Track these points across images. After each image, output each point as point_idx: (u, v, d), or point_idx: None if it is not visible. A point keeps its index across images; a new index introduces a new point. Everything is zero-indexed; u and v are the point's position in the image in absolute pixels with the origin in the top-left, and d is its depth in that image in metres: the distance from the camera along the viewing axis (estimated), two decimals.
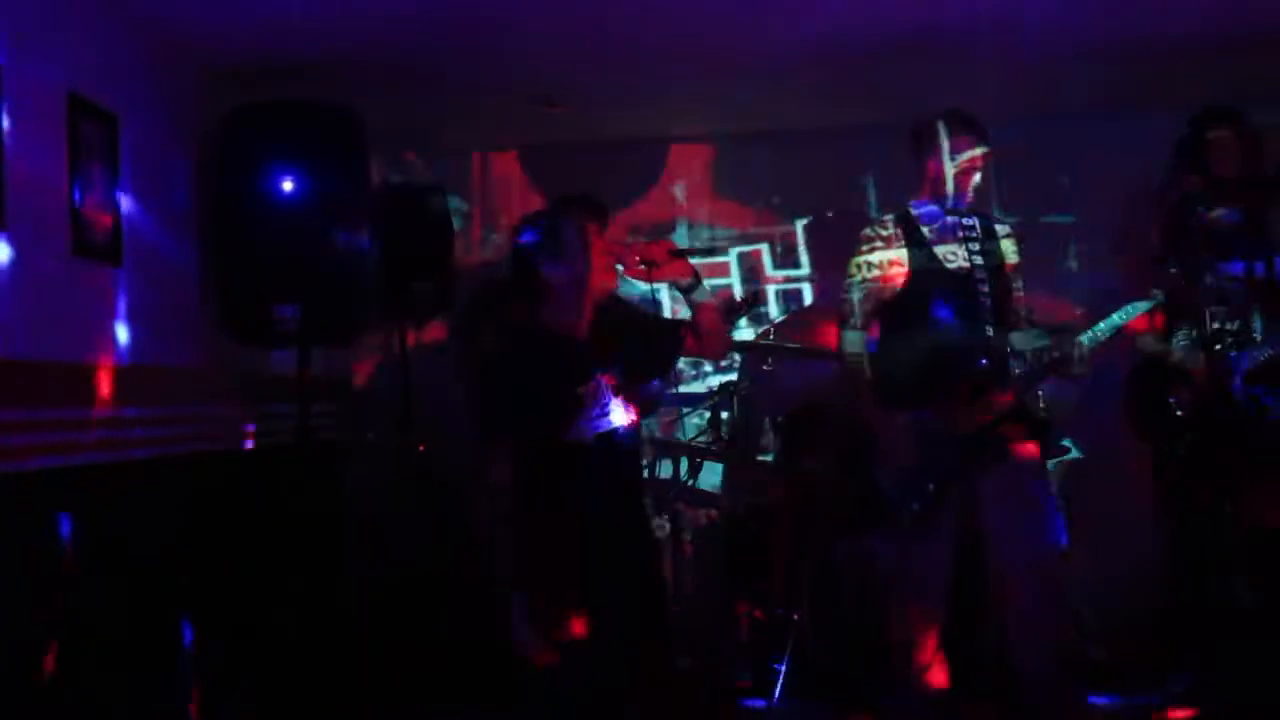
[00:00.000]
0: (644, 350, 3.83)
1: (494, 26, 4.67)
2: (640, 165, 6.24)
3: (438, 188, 5.55)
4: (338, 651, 4.41)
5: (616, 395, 3.68)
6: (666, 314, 5.55)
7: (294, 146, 4.56)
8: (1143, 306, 4.12)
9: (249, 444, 5.04)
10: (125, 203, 4.26)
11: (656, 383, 4.51)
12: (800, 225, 6.42)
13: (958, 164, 4.11)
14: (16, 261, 3.55)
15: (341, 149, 4.64)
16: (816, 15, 4.69)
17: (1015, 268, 4.24)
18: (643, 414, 3.89)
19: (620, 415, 3.68)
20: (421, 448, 5.29)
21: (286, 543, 4.45)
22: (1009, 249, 4.23)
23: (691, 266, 3.91)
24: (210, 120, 4.65)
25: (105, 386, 4.04)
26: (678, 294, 4.13)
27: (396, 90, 5.22)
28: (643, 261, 3.90)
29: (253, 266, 4.51)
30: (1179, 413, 4.40)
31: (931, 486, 3.97)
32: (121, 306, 4.22)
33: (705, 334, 3.88)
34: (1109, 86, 5.55)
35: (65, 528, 3.58)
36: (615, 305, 3.99)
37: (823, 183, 6.19)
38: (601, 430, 3.64)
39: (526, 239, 3.74)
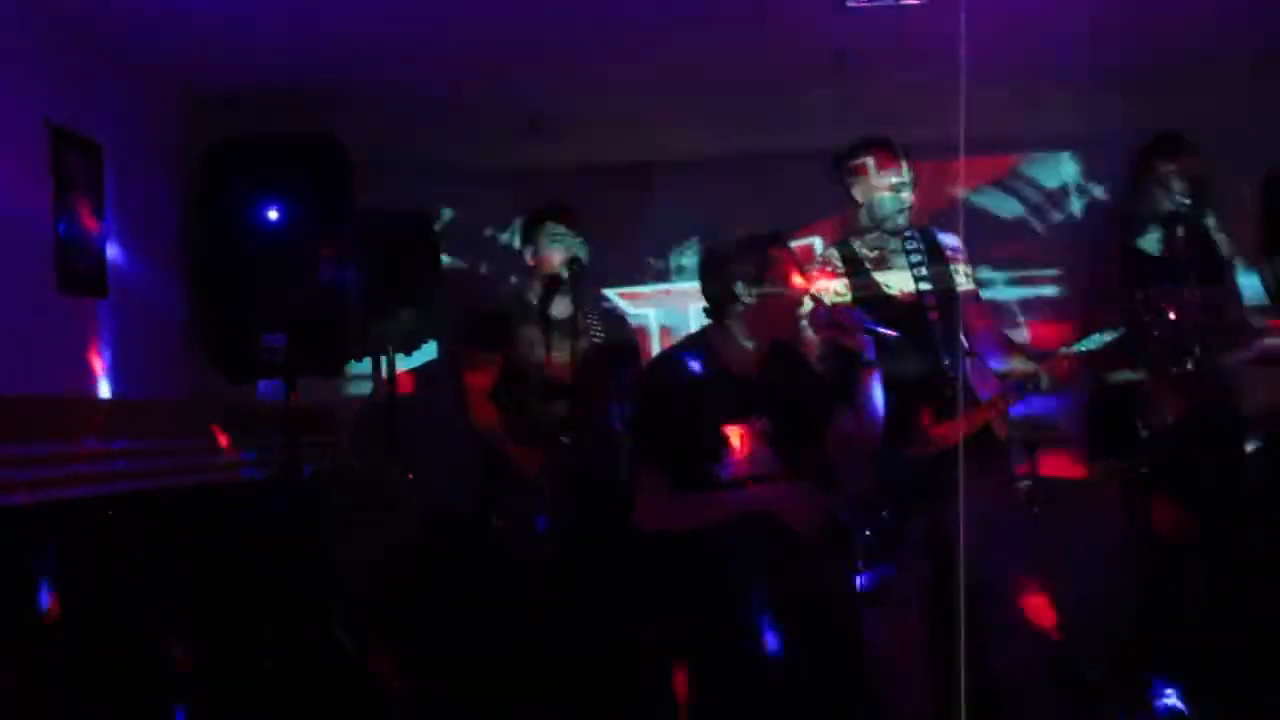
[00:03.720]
0: (794, 409, 3.67)
1: (477, 52, 4.66)
2: (627, 192, 6.20)
3: (423, 213, 5.52)
4: (325, 683, 4.37)
5: (769, 445, 3.58)
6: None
7: (277, 178, 4.55)
8: (1107, 337, 4.08)
9: (236, 476, 5.00)
10: (110, 234, 4.24)
11: None
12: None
13: (886, 187, 4.09)
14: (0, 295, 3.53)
15: (325, 178, 4.61)
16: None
17: (973, 294, 4.20)
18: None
19: (761, 465, 3.58)
20: (410, 476, 5.26)
21: (274, 574, 4.42)
22: (960, 273, 4.17)
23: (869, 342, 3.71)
24: (194, 149, 4.63)
25: (90, 421, 4.02)
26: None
27: (380, 116, 5.20)
28: (834, 323, 3.71)
29: (238, 297, 4.49)
30: (1144, 433, 4.37)
31: (886, 514, 3.93)
32: (107, 339, 4.19)
33: (867, 421, 3.71)
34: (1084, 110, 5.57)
35: (51, 561, 3.55)
36: (791, 356, 3.82)
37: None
38: (734, 476, 3.55)
39: (726, 257, 3.68)
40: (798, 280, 3.68)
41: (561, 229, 4.58)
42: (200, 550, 4.36)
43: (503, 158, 5.95)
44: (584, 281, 4.59)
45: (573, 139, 5.69)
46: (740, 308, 3.65)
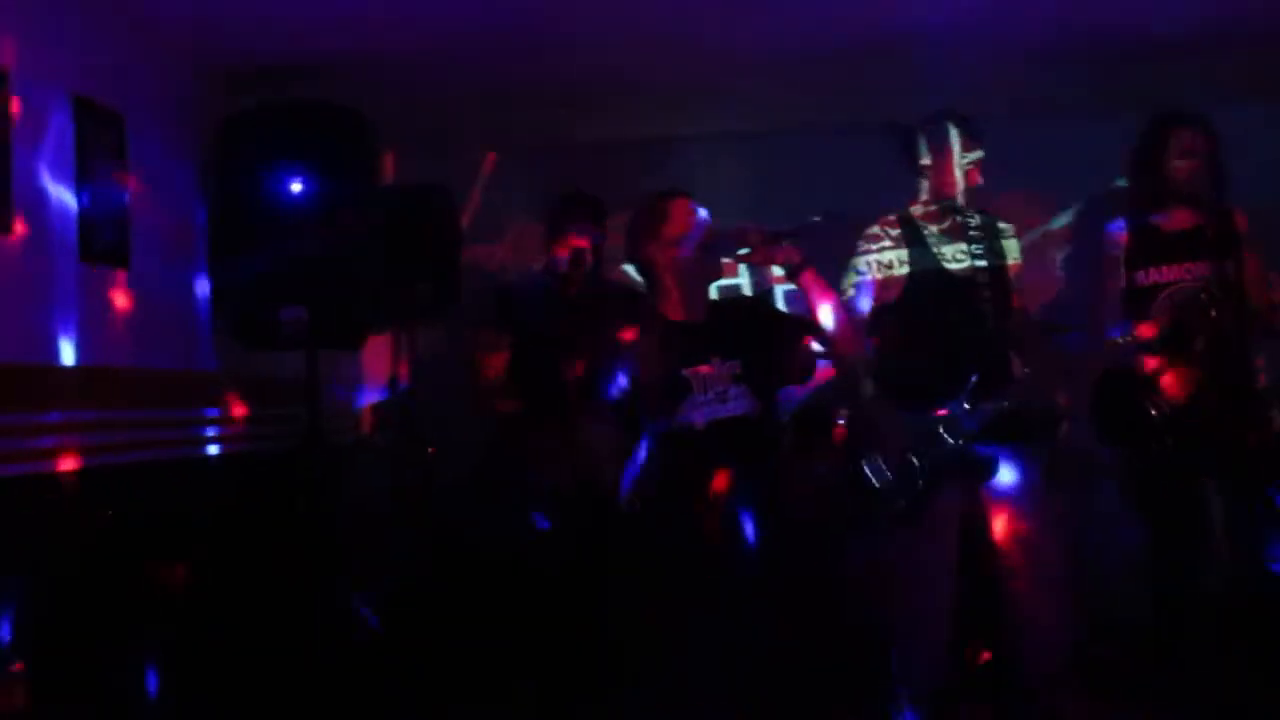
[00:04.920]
0: (766, 348, 3.69)
1: (499, 26, 4.65)
2: (644, 167, 6.19)
3: (441, 187, 5.52)
4: (340, 656, 4.40)
5: (738, 384, 3.59)
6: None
7: (300, 148, 4.54)
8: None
9: (255, 447, 5.02)
10: (132, 204, 4.25)
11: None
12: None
13: (965, 164, 4.11)
14: (24, 264, 3.54)
15: (347, 150, 4.63)
16: (800, 18, 4.69)
17: (1018, 268, 4.24)
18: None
19: (739, 404, 3.60)
20: (431, 450, 5.28)
21: (292, 546, 4.44)
22: (1012, 249, 4.22)
23: (796, 250, 3.68)
24: (215, 121, 4.63)
25: (110, 391, 4.03)
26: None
27: (401, 89, 5.20)
28: (741, 247, 3.68)
29: (258, 269, 4.49)
30: (1153, 414, 4.34)
31: (921, 484, 3.96)
32: (129, 310, 4.21)
33: (835, 337, 3.71)
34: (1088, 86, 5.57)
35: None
36: (736, 297, 3.89)
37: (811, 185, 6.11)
38: (716, 417, 3.57)
39: (631, 222, 3.71)
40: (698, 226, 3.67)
41: (583, 217, 4.61)
42: (222, 522, 4.37)
43: (532, 132, 5.95)
44: (601, 266, 4.65)
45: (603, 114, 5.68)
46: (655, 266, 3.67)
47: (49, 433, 3.67)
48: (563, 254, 4.62)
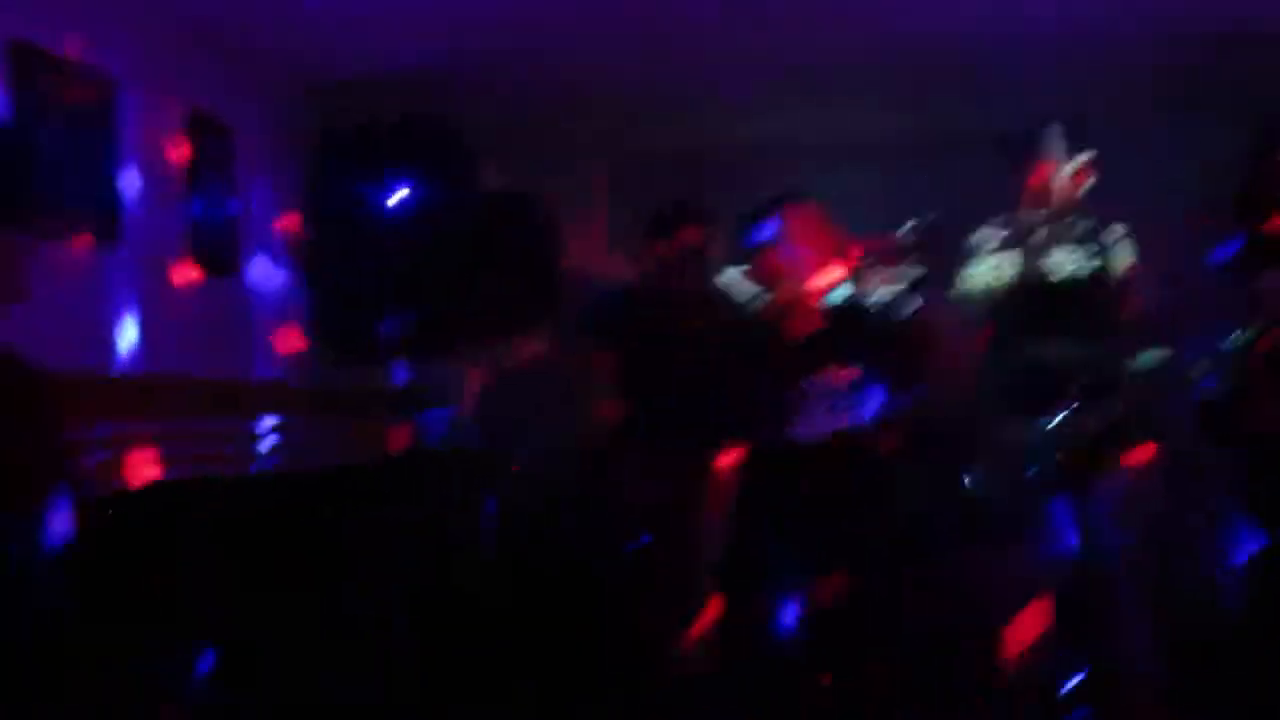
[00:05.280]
0: (884, 357, 3.61)
1: (583, 38, 4.67)
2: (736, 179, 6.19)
3: (533, 197, 5.54)
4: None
5: (857, 392, 3.53)
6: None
7: (397, 161, 4.58)
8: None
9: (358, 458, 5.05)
10: (240, 215, 4.31)
11: None
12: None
13: (1069, 170, 4.08)
14: (137, 273, 3.61)
15: (443, 162, 4.65)
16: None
17: (1131, 270, 4.18)
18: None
19: (859, 412, 3.53)
20: (515, 468, 5.27)
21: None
22: (1124, 253, 4.17)
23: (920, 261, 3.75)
24: (317, 133, 4.68)
25: (239, 400, 4.08)
26: None
27: (493, 102, 5.24)
28: (866, 257, 3.70)
29: (359, 282, 4.53)
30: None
31: (1031, 486, 3.94)
32: (239, 318, 4.27)
33: (946, 350, 3.77)
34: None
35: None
36: (852, 307, 3.74)
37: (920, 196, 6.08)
38: (836, 427, 3.50)
39: (762, 232, 3.60)
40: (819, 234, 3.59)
41: (693, 218, 4.58)
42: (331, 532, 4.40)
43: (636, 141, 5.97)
44: (710, 272, 4.61)
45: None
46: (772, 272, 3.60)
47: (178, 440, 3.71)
48: (672, 254, 4.57)
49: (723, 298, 4.71)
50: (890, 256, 3.59)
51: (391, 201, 4.54)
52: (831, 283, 3.60)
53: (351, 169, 4.60)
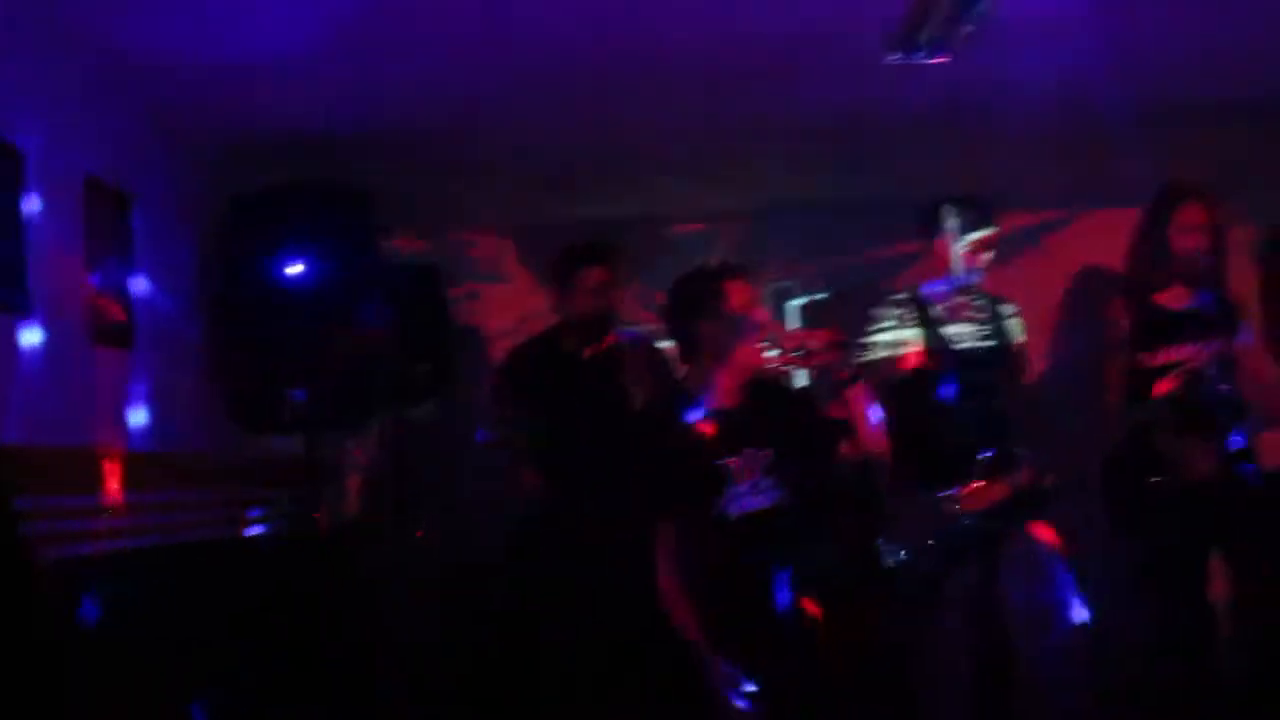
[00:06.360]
0: (797, 441, 3.61)
1: (495, 106, 4.66)
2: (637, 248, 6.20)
3: (435, 267, 5.52)
4: None
5: (769, 475, 3.51)
6: None
7: (304, 228, 4.55)
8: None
9: (252, 530, 4.94)
10: (137, 285, 4.20)
11: None
12: (796, 305, 6.34)
13: (965, 244, 4.18)
14: (41, 347, 3.49)
15: (351, 230, 4.62)
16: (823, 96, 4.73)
17: (1021, 346, 4.31)
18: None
19: (769, 496, 3.51)
20: (419, 534, 5.21)
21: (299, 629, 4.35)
22: (1015, 328, 4.29)
23: (851, 360, 3.67)
24: (218, 199, 4.60)
25: (119, 473, 3.96)
26: None
27: (397, 168, 5.20)
28: (799, 348, 3.58)
29: (262, 350, 4.46)
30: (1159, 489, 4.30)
31: (939, 555, 3.97)
32: (135, 391, 4.15)
33: (866, 436, 3.62)
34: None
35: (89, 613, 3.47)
36: (774, 387, 3.75)
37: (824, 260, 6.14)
38: (747, 510, 3.49)
39: (681, 295, 3.60)
40: (755, 310, 3.60)
41: (596, 257, 4.56)
42: (230, 604, 4.28)
43: (534, 211, 5.94)
44: (618, 324, 4.60)
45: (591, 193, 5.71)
46: (704, 345, 3.58)
47: (57, 517, 3.59)
48: (581, 296, 4.54)
49: (634, 356, 4.68)
50: (828, 359, 3.56)
51: (294, 270, 4.47)
52: (762, 362, 3.57)
53: (256, 235, 4.54)
